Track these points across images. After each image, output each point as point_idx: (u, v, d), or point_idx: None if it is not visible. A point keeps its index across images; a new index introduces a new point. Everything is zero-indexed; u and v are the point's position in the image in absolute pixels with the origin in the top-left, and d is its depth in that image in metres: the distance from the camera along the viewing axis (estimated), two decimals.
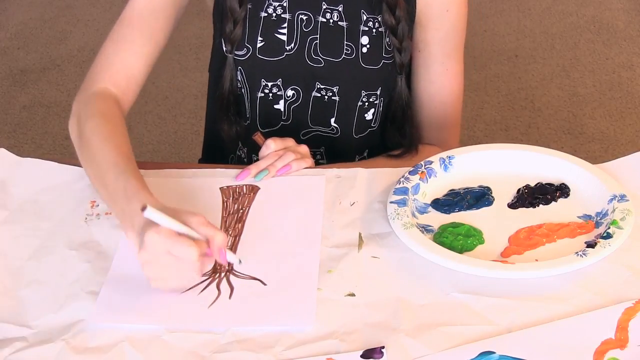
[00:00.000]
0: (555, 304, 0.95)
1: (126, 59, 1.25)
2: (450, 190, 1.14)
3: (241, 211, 1.12)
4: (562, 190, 1.12)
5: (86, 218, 1.12)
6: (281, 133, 1.30)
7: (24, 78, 3.07)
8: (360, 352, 0.90)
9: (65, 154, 2.61)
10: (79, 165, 1.19)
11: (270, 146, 1.21)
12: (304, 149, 1.24)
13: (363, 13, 1.29)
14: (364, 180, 1.17)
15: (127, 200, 1.01)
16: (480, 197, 1.12)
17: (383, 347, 0.91)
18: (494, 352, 0.89)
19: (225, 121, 1.34)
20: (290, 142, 1.23)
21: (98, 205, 1.14)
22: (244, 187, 1.17)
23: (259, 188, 1.16)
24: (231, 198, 1.15)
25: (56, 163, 1.22)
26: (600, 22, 3.28)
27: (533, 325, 0.92)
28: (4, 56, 3.24)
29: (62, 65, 3.10)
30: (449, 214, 1.10)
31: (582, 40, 3.17)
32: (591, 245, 1.01)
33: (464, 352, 0.89)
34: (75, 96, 1.25)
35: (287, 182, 1.17)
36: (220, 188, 1.17)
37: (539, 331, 0.91)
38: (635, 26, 3.25)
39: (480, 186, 1.14)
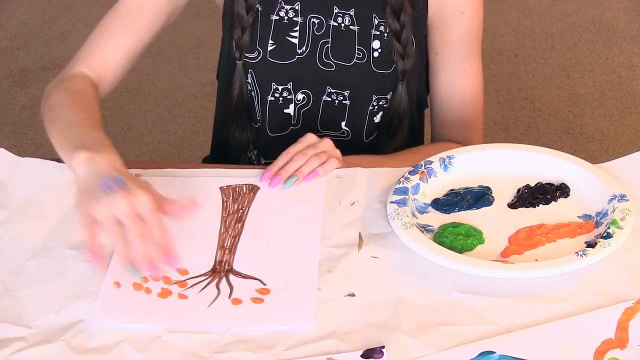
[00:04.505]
0: (555, 304, 0.95)
1: (104, 49, 1.27)
2: (450, 190, 1.14)
3: (241, 211, 1.12)
4: (562, 190, 1.12)
5: None
6: (291, 138, 1.29)
7: (24, 78, 3.07)
8: (361, 352, 0.90)
9: None
10: None
11: (292, 150, 1.18)
12: (327, 144, 1.20)
13: (374, 17, 1.28)
14: (364, 180, 1.17)
15: (96, 144, 1.04)
16: (480, 197, 1.12)
17: (383, 347, 0.91)
18: (494, 352, 0.89)
19: (236, 127, 1.33)
20: (311, 138, 1.20)
21: None
22: (244, 186, 1.17)
23: (259, 188, 1.16)
24: (231, 198, 1.15)
25: (56, 163, 1.22)
26: (600, 22, 3.28)
27: (533, 325, 0.92)
28: (4, 56, 3.24)
29: (62, 65, 3.06)
30: (449, 214, 1.10)
31: (582, 40, 3.17)
32: (591, 245, 1.01)
33: (464, 352, 0.89)
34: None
35: None
36: (220, 188, 1.17)
37: (539, 331, 0.91)
38: (635, 26, 3.25)
39: (480, 186, 1.14)
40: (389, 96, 1.32)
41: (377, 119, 1.34)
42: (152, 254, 0.95)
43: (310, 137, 1.20)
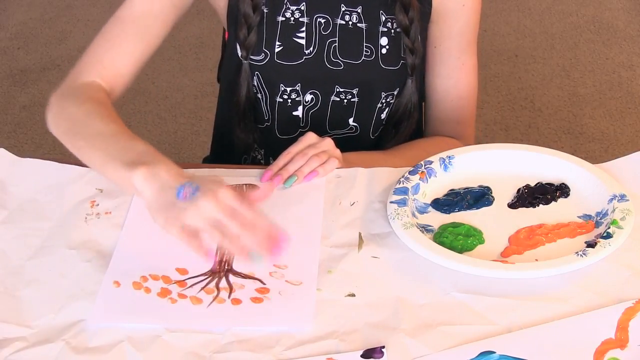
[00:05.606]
0: (555, 304, 0.95)
1: (116, 57, 1.25)
2: (450, 190, 1.14)
3: None
4: (562, 190, 1.12)
5: (86, 218, 1.12)
6: None
7: (24, 78, 3.07)
8: (361, 352, 0.90)
9: (65, 154, 2.59)
10: (79, 165, 1.19)
11: (292, 150, 1.18)
12: (328, 144, 1.19)
13: (382, 14, 1.29)
14: (364, 180, 1.17)
15: (150, 155, 1.02)
16: (480, 197, 1.12)
17: (383, 347, 0.91)
18: (494, 352, 0.89)
19: (242, 129, 1.33)
20: (312, 138, 1.20)
21: (98, 205, 1.14)
22: (244, 186, 1.16)
23: (259, 188, 1.16)
24: None
25: (56, 163, 1.22)
26: (600, 22, 3.28)
27: (533, 325, 0.92)
28: (4, 56, 3.24)
29: (62, 65, 3.09)
30: (449, 214, 1.10)
31: (582, 40, 3.17)
32: (591, 245, 1.01)
33: (464, 352, 0.89)
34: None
35: None
36: None
37: (539, 331, 0.91)
38: (635, 26, 3.25)
39: (480, 186, 1.14)
40: (396, 92, 1.32)
41: (384, 115, 1.34)
42: (264, 237, 0.95)
43: (310, 137, 1.20)
